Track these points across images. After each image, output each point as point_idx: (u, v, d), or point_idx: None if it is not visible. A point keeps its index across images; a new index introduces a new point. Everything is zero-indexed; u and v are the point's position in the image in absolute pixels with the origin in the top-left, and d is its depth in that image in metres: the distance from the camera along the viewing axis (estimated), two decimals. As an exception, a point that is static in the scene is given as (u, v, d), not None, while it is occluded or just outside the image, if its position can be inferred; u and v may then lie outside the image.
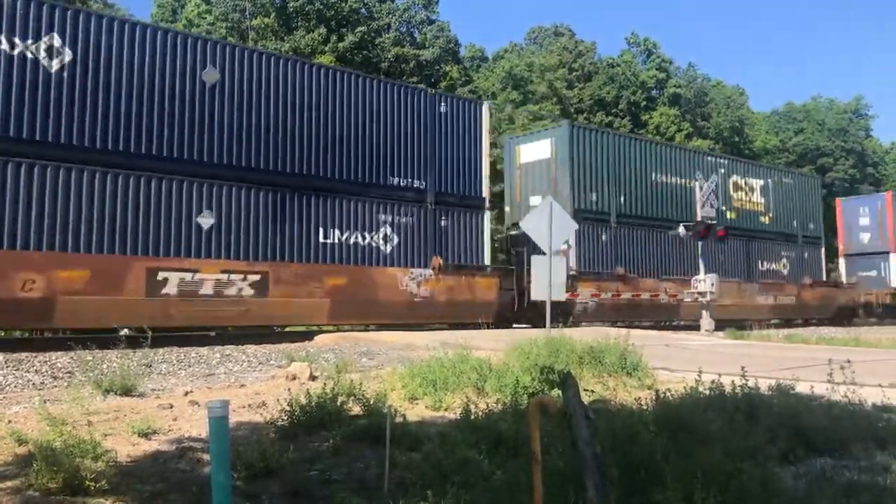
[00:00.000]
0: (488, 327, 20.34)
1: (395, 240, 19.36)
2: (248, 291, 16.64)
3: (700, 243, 25.56)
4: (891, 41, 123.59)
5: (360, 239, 18.74)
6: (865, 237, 37.84)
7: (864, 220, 38.04)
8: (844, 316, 33.76)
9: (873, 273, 36.99)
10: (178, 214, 15.96)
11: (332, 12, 42.34)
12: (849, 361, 7.39)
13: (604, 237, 24.50)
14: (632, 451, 4.33)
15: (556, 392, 6.85)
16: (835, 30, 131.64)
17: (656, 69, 59.91)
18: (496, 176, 27.11)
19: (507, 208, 26.49)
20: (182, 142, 16.25)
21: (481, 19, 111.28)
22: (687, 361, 11.10)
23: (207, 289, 16.10)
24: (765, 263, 30.96)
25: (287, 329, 19.07)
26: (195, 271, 15.97)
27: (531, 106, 46.71)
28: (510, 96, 47.60)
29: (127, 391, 7.99)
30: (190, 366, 11.30)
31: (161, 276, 15.52)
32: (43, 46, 14.57)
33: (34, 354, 11.45)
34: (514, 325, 22.06)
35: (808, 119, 70.56)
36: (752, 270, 30.22)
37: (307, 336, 17.05)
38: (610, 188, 25.07)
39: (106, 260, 14.89)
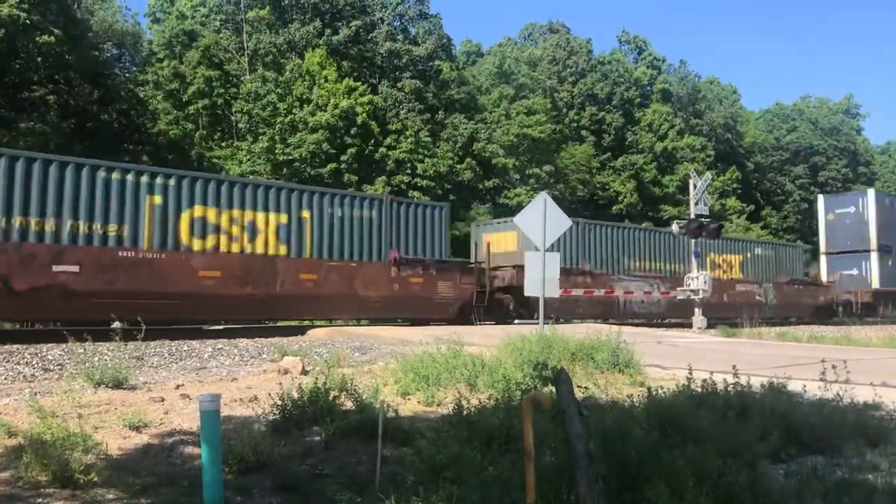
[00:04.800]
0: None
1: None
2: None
3: (692, 241, 25.62)
4: (881, 42, 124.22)
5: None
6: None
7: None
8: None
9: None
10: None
11: (328, 5, 42.16)
12: (844, 361, 7.39)
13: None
14: (624, 447, 4.33)
15: (549, 388, 6.86)
16: (824, 30, 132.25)
17: (647, 67, 60.03)
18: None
19: None
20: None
21: (476, 14, 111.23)
22: (678, 359, 11.11)
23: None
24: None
25: (280, 323, 19.04)
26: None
27: (526, 101, 46.62)
28: (504, 91, 47.49)
29: (118, 384, 7.96)
30: (182, 359, 11.28)
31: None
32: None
33: (25, 346, 11.41)
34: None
35: (801, 118, 70.77)
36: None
37: (300, 330, 17.03)
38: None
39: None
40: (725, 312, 28.13)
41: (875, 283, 35.89)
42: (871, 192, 38.18)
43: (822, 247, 38.85)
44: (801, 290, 34.64)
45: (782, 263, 34.29)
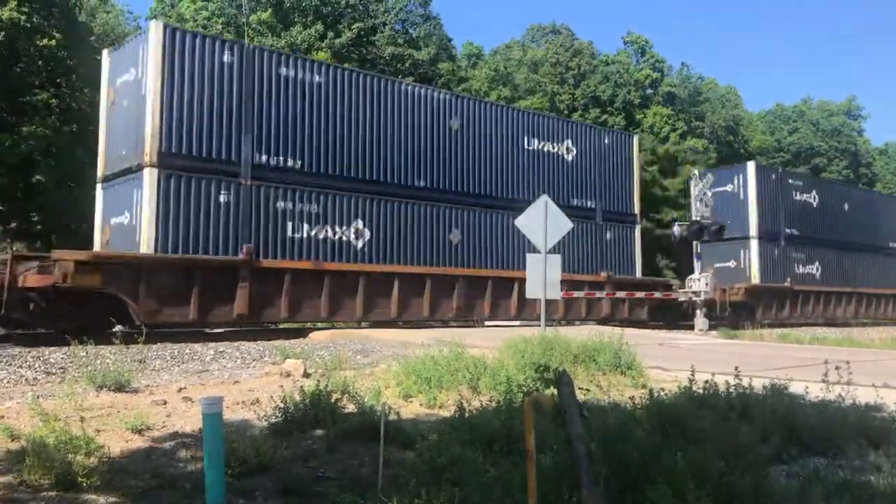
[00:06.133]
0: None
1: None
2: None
3: (694, 242, 25.61)
4: (880, 43, 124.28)
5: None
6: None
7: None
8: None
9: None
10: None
11: (329, 8, 42.21)
12: (847, 363, 7.39)
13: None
14: (625, 448, 4.33)
15: (550, 390, 6.85)
16: (824, 31, 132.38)
17: (650, 68, 60.03)
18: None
19: None
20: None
21: (478, 16, 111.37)
22: (680, 360, 11.11)
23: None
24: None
25: (282, 325, 19.04)
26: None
27: (524, 102, 46.67)
28: (502, 93, 47.52)
29: (120, 387, 7.96)
30: (184, 362, 11.28)
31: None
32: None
33: (27, 350, 11.42)
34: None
35: (802, 119, 70.77)
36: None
37: (302, 333, 17.04)
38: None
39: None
40: None
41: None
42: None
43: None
44: None
45: None
